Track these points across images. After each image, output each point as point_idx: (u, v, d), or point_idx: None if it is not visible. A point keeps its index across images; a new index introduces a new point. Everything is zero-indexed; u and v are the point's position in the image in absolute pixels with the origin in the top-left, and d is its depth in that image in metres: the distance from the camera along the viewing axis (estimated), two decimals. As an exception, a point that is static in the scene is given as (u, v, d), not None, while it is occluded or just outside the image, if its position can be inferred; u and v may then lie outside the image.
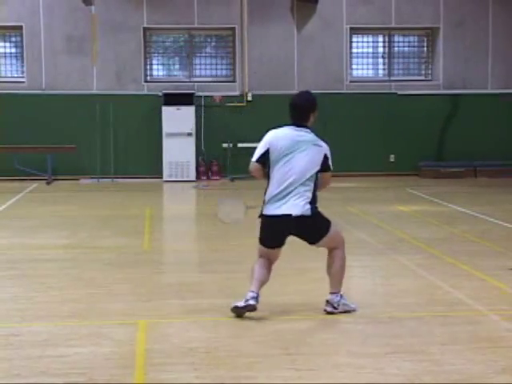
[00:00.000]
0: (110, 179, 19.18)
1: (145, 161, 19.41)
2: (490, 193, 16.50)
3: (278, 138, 6.38)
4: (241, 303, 6.29)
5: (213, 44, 20.70)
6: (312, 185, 6.34)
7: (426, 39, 20.61)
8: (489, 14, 19.96)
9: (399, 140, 19.85)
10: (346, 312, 6.49)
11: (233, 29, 19.67)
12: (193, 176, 19.01)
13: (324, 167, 6.38)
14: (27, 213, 13.39)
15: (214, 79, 20.04)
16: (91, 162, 19.27)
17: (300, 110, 6.44)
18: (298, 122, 6.42)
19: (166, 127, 18.80)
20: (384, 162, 19.92)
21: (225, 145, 19.34)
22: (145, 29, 19.57)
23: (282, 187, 6.29)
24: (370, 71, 20.86)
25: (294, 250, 8.78)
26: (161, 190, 17.87)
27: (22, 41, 19.39)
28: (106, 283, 7.76)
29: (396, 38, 20.52)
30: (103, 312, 6.60)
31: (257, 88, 19.57)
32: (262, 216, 6.44)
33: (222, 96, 19.48)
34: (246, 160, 15.98)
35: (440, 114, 19.99)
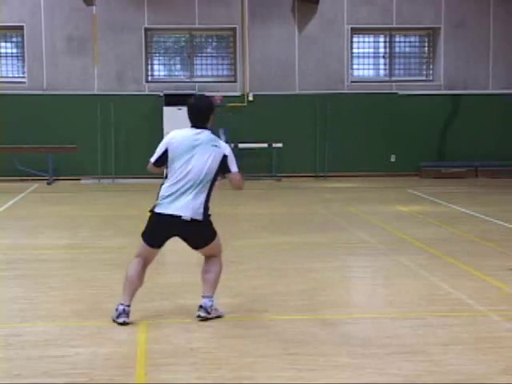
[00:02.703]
0: (110, 179, 19.19)
1: (146, 161, 19.25)
2: (490, 193, 16.50)
3: (176, 138, 6.33)
4: (114, 315, 6.20)
5: (214, 44, 20.72)
6: (208, 189, 6.25)
7: (426, 39, 20.61)
8: (490, 14, 19.96)
9: (400, 140, 19.86)
10: (217, 317, 6.38)
11: (234, 29, 19.68)
12: (194, 176, 18.99)
13: (224, 169, 6.30)
14: (28, 213, 13.39)
15: (215, 79, 20.05)
16: (92, 162, 19.29)
17: (199, 111, 6.40)
18: (198, 123, 6.39)
19: (167, 127, 18.79)
20: (385, 162, 19.92)
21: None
22: (146, 29, 19.59)
23: (177, 187, 6.23)
24: (371, 71, 20.88)
25: (294, 250, 8.79)
26: (162, 190, 17.83)
27: (22, 41, 19.41)
28: (106, 283, 7.76)
29: (397, 39, 20.53)
30: (104, 312, 6.59)
31: (258, 88, 19.57)
32: (152, 212, 6.35)
33: (223, 96, 19.47)
34: (247, 160, 16.19)
35: (441, 114, 20.00)
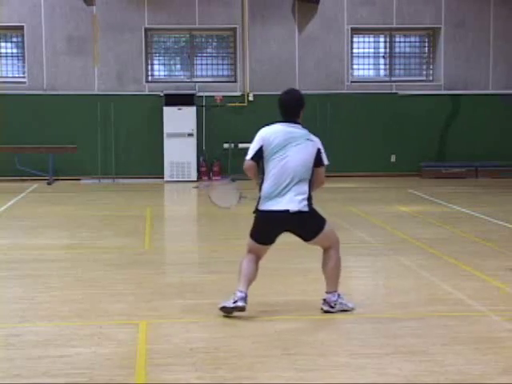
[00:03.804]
0: (111, 179, 19.19)
1: (146, 161, 19.42)
2: (491, 193, 16.49)
3: (271, 134, 6.39)
4: (229, 303, 6.31)
5: (214, 44, 20.71)
6: (308, 181, 6.35)
7: (427, 40, 20.60)
8: (490, 14, 19.95)
9: (400, 140, 19.86)
10: (343, 311, 6.49)
11: (234, 29, 19.67)
12: (194, 176, 19.03)
13: (317, 162, 6.39)
14: (28, 213, 13.39)
15: (215, 79, 20.04)
16: (92, 163, 19.29)
17: (290, 106, 6.45)
18: (289, 118, 6.43)
19: (167, 127, 18.82)
20: (385, 162, 19.92)
21: (226, 145, 19.34)
22: (146, 29, 19.58)
23: (278, 183, 6.30)
24: (371, 71, 20.87)
25: (294, 250, 8.79)
26: (162, 190, 17.87)
27: (23, 41, 19.40)
28: (106, 283, 7.76)
29: (397, 39, 20.52)
30: (104, 312, 6.60)
31: (258, 88, 19.57)
32: (257, 211, 6.42)
33: (223, 96, 19.48)
34: (247, 160, 15.27)
35: (441, 114, 19.99)
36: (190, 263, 9.30)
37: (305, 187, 6.33)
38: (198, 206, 16.07)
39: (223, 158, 19.42)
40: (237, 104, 19.52)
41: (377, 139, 19.82)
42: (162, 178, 19.00)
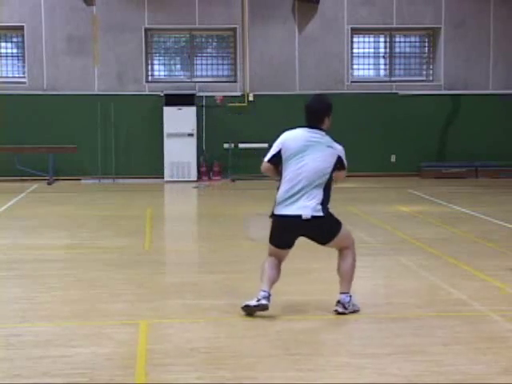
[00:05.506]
0: (111, 179, 19.19)
1: (146, 161, 19.42)
2: (491, 193, 16.50)
3: (291, 138, 6.44)
4: (253, 302, 6.33)
5: (214, 44, 20.71)
6: (324, 186, 6.37)
7: (427, 39, 20.60)
8: (490, 14, 19.95)
9: (400, 140, 19.85)
10: (353, 312, 6.50)
11: (234, 29, 19.67)
12: (194, 176, 19.02)
13: (338, 166, 6.46)
14: (28, 213, 13.39)
15: (215, 79, 20.04)
16: (92, 163, 19.29)
17: (314, 112, 6.47)
18: (313, 124, 6.45)
19: (167, 127, 18.81)
20: (385, 162, 19.92)
21: (226, 145, 19.34)
22: (146, 29, 19.58)
23: (293, 187, 6.32)
24: (371, 71, 20.86)
25: (294, 250, 8.78)
26: (162, 190, 17.88)
27: (23, 41, 19.40)
28: (106, 283, 7.76)
29: (397, 39, 20.52)
30: (104, 312, 6.60)
31: (258, 88, 19.57)
32: (273, 215, 6.46)
33: (224, 96, 19.48)
34: (247, 160, 16.12)
35: (441, 114, 19.99)
36: (190, 263, 9.30)
37: (319, 192, 6.34)
38: (198, 206, 16.08)
39: (223, 157, 19.41)
40: (237, 104, 19.52)
41: (377, 139, 19.81)
42: (162, 178, 19.00)
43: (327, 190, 6.40)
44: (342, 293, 6.53)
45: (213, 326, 6.20)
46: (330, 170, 6.39)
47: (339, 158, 6.45)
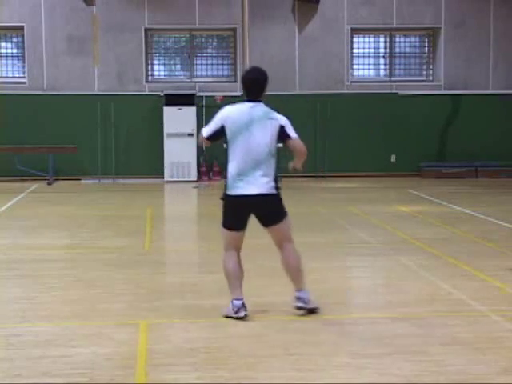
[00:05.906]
0: (111, 179, 19.20)
1: (146, 161, 19.42)
2: (491, 193, 16.50)
3: (233, 114, 6.29)
4: (231, 312, 6.26)
5: (214, 44, 20.71)
6: (274, 162, 6.24)
7: (427, 40, 20.60)
8: (490, 14, 19.95)
9: (400, 140, 19.85)
10: (313, 310, 6.42)
11: (234, 29, 19.67)
12: (194, 176, 19.03)
13: (284, 137, 6.24)
14: (28, 213, 13.39)
15: (215, 79, 20.04)
16: (92, 163, 19.29)
17: (257, 83, 6.35)
18: (254, 96, 6.33)
19: (167, 127, 18.82)
20: (385, 162, 19.91)
21: (226, 145, 19.29)
22: (146, 29, 19.58)
23: (242, 165, 6.19)
24: (371, 71, 20.86)
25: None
26: (162, 190, 17.88)
27: (23, 41, 19.41)
28: (106, 284, 7.76)
29: (397, 39, 20.52)
30: (104, 312, 6.60)
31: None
32: (225, 197, 6.30)
33: (224, 96, 19.48)
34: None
35: (441, 114, 19.99)
36: (190, 263, 9.30)
37: (270, 169, 6.20)
38: (198, 206, 16.08)
39: (223, 158, 19.38)
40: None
41: (377, 139, 19.81)
42: (162, 177, 19.00)
43: (276, 165, 6.24)
44: (298, 290, 6.40)
45: (213, 326, 6.19)
46: (275, 142, 6.21)
47: (281, 128, 6.22)
